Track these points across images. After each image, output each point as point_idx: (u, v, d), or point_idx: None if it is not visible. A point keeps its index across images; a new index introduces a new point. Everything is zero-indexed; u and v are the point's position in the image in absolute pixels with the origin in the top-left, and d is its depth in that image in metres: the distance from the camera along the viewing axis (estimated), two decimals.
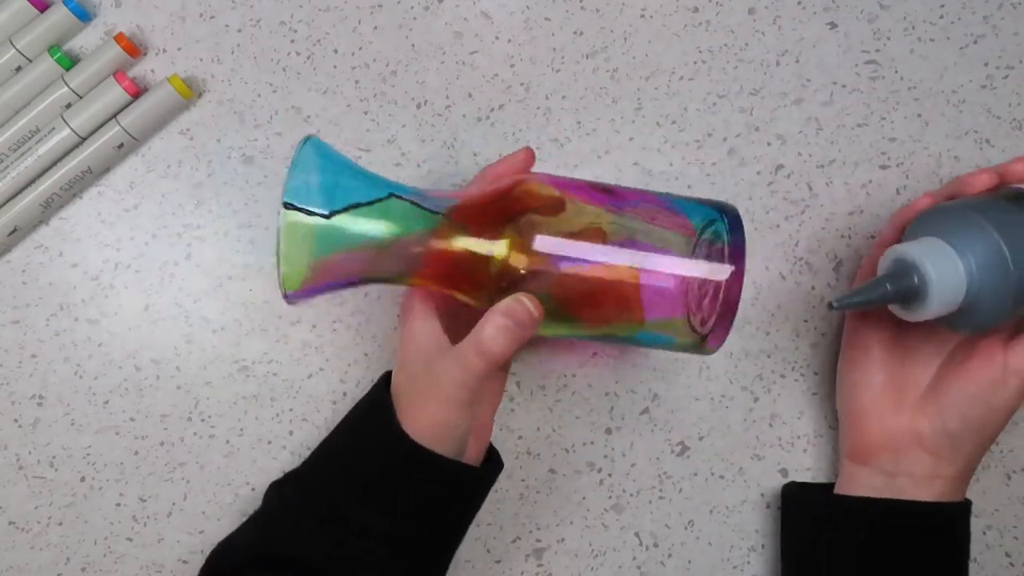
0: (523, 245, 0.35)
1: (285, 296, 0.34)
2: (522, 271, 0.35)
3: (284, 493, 0.41)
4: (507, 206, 0.36)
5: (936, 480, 0.41)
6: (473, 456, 0.40)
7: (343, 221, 0.34)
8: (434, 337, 0.38)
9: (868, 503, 0.42)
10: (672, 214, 0.37)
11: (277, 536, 0.39)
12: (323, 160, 0.35)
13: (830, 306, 0.36)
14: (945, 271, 0.35)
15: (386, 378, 0.41)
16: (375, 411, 0.39)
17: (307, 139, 0.35)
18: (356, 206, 0.34)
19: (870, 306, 0.36)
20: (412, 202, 0.35)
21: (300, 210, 0.33)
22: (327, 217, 0.33)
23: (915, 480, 0.41)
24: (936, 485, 0.41)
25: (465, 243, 0.35)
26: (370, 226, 0.34)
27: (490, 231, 0.35)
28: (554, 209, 0.36)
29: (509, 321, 0.35)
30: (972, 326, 0.37)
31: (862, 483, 0.43)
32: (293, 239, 0.33)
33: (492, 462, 0.42)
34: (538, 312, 0.35)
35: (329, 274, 0.35)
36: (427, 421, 0.36)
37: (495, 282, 0.35)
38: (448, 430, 0.37)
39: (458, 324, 0.38)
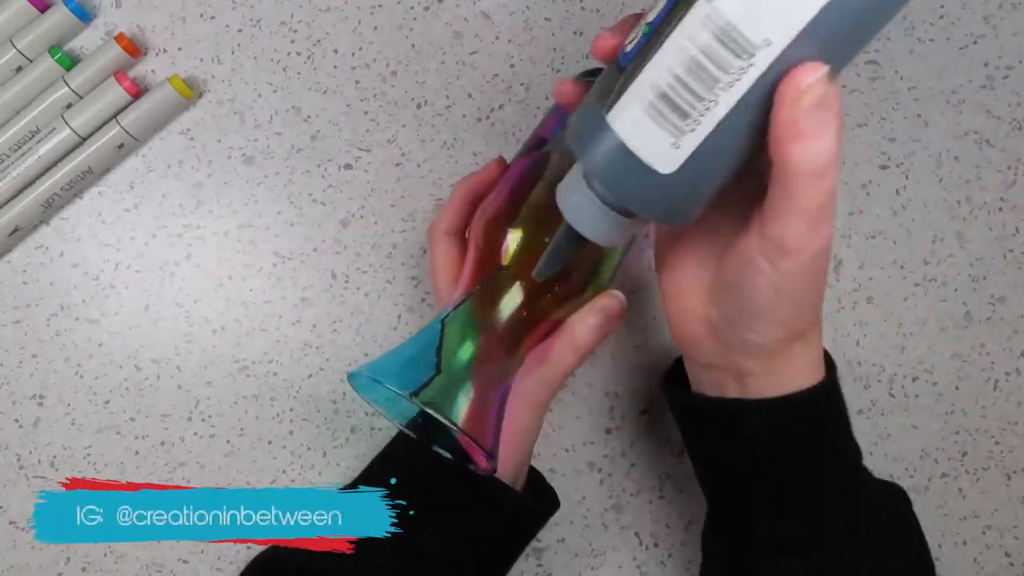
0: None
1: (488, 455, 0.34)
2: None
3: None
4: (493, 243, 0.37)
5: (746, 378, 0.33)
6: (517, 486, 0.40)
7: (446, 364, 0.35)
8: None
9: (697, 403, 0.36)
10: None
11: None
12: (384, 361, 0.36)
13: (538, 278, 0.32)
14: (574, 202, 0.29)
15: None
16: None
17: (353, 375, 0.35)
18: (439, 348, 0.36)
19: (564, 260, 0.32)
20: (453, 307, 0.36)
21: (419, 390, 0.34)
22: (438, 372, 0.35)
23: (726, 372, 0.33)
24: (749, 383, 0.33)
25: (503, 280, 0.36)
26: (460, 344, 0.35)
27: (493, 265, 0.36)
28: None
29: (602, 318, 0.36)
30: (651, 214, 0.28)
31: (692, 377, 0.36)
32: (436, 407, 0.33)
33: (542, 494, 0.42)
34: (625, 302, 0.37)
35: (480, 404, 0.35)
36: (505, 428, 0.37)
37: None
38: (520, 436, 0.37)
39: None
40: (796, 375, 0.33)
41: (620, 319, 0.37)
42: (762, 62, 0.23)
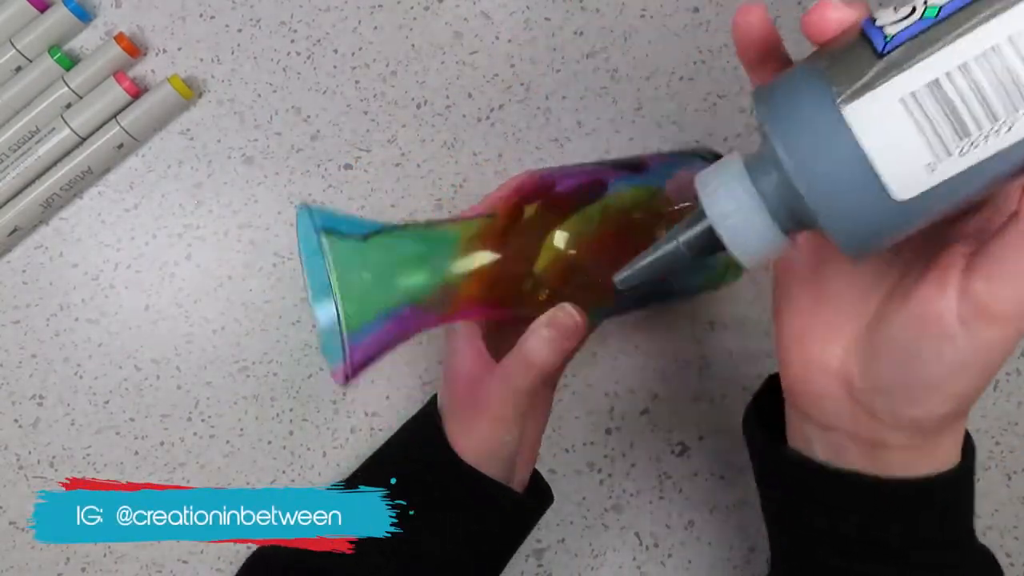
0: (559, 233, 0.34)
1: (349, 353, 0.30)
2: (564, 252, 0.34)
3: None
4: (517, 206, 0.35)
5: (881, 450, 0.28)
6: (521, 479, 0.39)
7: (381, 241, 0.32)
8: (478, 355, 0.37)
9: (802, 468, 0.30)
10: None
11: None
12: (331, 212, 0.33)
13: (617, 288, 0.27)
14: (727, 200, 0.23)
15: (435, 398, 0.40)
16: (425, 430, 0.39)
17: (300, 208, 0.32)
18: (384, 230, 0.33)
19: (663, 272, 0.26)
20: (427, 223, 0.35)
21: (337, 234, 0.30)
22: (364, 238, 0.32)
23: (853, 439, 0.28)
24: (882, 456, 0.28)
25: (500, 244, 0.34)
26: (406, 244, 0.33)
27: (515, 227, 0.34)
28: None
29: (554, 332, 0.33)
30: (848, 245, 0.22)
31: (797, 431, 0.31)
32: (341, 266, 0.30)
33: (540, 492, 0.42)
34: (581, 319, 0.33)
35: (383, 315, 0.32)
36: (475, 441, 0.36)
37: (536, 284, 0.35)
38: (496, 449, 0.36)
39: (499, 340, 0.37)
40: (943, 455, 0.28)
41: (577, 338, 0.34)
42: None
